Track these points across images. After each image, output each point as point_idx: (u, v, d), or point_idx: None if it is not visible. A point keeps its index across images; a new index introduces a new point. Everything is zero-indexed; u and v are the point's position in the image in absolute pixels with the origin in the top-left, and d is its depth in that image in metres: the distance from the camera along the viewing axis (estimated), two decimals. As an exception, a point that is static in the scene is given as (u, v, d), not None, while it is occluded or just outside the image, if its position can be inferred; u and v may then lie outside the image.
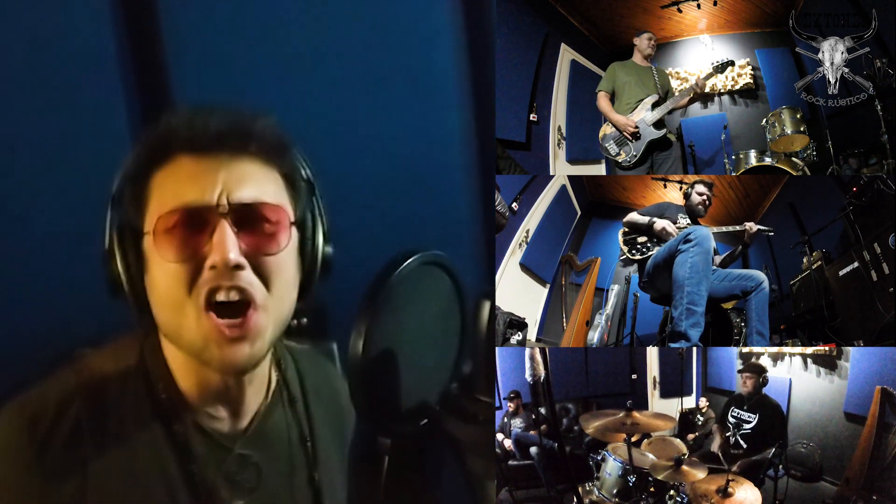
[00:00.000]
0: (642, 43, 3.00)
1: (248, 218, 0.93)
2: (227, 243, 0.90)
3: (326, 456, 1.12)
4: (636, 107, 2.92)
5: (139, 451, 0.96)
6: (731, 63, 2.93)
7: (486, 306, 0.66)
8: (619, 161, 2.92)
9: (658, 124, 2.88)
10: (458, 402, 0.68)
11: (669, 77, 3.13)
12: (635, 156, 2.90)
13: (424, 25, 1.90)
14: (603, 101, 2.98)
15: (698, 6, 3.19)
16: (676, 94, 2.94)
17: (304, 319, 1.22)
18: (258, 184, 0.96)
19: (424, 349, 0.74)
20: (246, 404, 1.03)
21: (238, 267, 0.91)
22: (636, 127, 2.87)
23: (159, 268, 0.93)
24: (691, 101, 2.98)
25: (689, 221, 2.65)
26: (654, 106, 2.89)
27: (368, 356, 0.67)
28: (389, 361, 0.71)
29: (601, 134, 2.97)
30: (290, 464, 1.07)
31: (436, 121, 2.00)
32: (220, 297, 0.91)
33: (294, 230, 1.00)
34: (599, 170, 3.23)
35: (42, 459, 0.92)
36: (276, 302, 0.95)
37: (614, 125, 2.92)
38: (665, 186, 3.19)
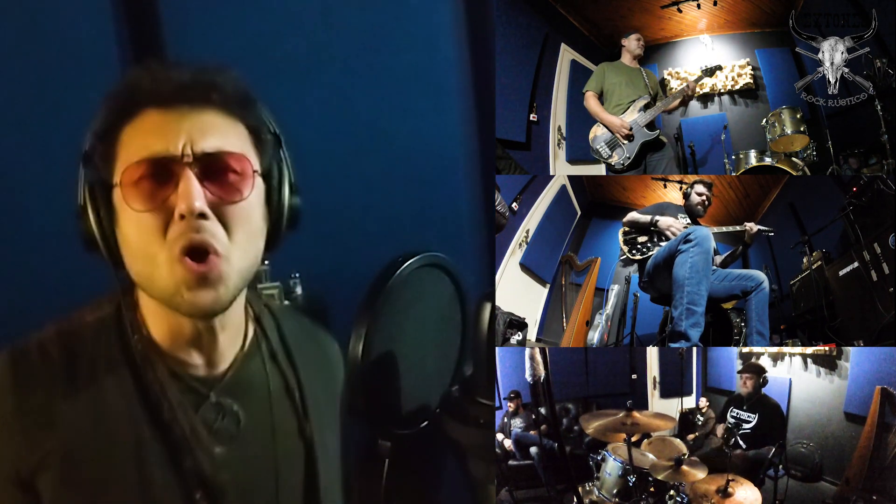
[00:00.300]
0: (631, 43, 2.98)
1: (213, 168, 0.96)
2: (193, 192, 0.93)
3: (316, 409, 1.13)
4: (627, 108, 2.90)
5: (109, 397, 0.99)
6: (720, 67, 2.93)
7: (487, 308, 0.66)
8: (612, 164, 2.90)
9: (650, 126, 2.87)
10: (458, 404, 0.67)
11: (669, 77, 3.13)
12: (628, 158, 2.87)
13: (425, 26, 1.90)
14: (592, 102, 2.94)
15: (698, 6, 3.19)
16: (670, 95, 2.94)
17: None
18: (221, 134, 0.98)
19: (425, 351, 0.74)
20: (220, 351, 1.05)
21: (202, 216, 0.94)
22: (630, 129, 2.85)
23: (129, 218, 0.96)
24: (682, 104, 2.98)
25: (688, 221, 2.65)
26: (646, 107, 2.88)
27: (368, 358, 0.67)
28: (389, 364, 0.71)
29: (591, 135, 2.93)
30: (272, 414, 1.08)
31: (436, 121, 2.00)
32: (190, 245, 0.94)
33: (259, 180, 1.02)
34: (599, 170, 3.23)
35: (23, 404, 0.96)
36: (240, 251, 0.98)
37: (607, 127, 2.89)
38: (665, 186, 3.19)
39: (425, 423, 0.73)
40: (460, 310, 0.69)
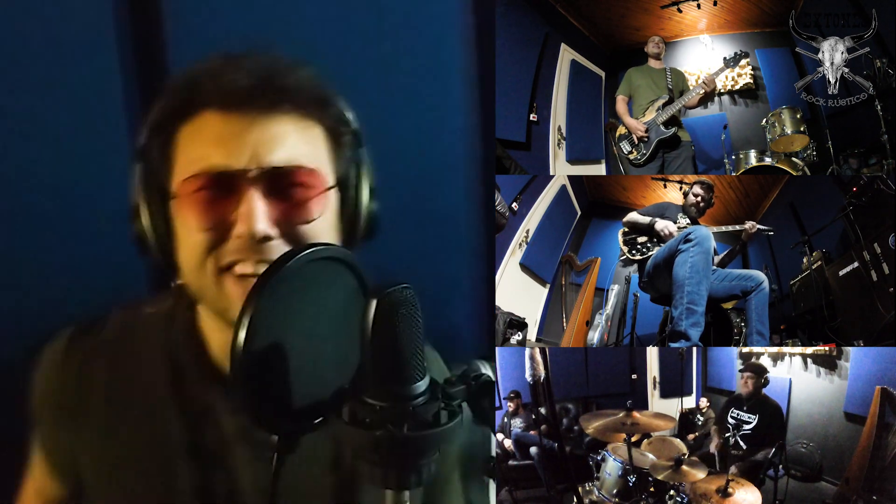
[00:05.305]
0: (648, 46, 3.08)
1: (281, 184, 0.86)
2: (256, 214, 0.83)
3: None
4: (647, 108, 2.97)
5: (156, 414, 0.96)
6: (746, 54, 2.95)
7: (373, 305, 0.64)
8: (631, 159, 3.00)
9: (669, 123, 2.93)
10: (347, 403, 0.66)
11: (686, 77, 3.14)
12: (645, 154, 2.96)
13: (427, 25, 1.90)
14: (619, 105, 3.07)
15: (698, 6, 3.19)
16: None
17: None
18: (293, 145, 0.88)
19: (321, 346, 0.71)
20: None
21: (266, 238, 0.84)
22: (645, 131, 2.94)
23: (184, 232, 0.89)
24: (703, 99, 3.01)
25: (688, 221, 2.66)
26: (665, 106, 2.93)
27: (252, 348, 0.65)
28: (278, 355, 0.68)
29: (617, 134, 3.06)
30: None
31: (436, 120, 1.99)
32: (247, 269, 0.86)
33: (333, 194, 0.92)
34: (599, 170, 3.23)
35: (82, 373, 0.96)
36: None
37: (626, 128, 3.01)
38: (665, 186, 3.20)
39: (319, 419, 0.70)
40: (363, 306, 0.63)
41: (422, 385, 0.65)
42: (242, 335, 0.65)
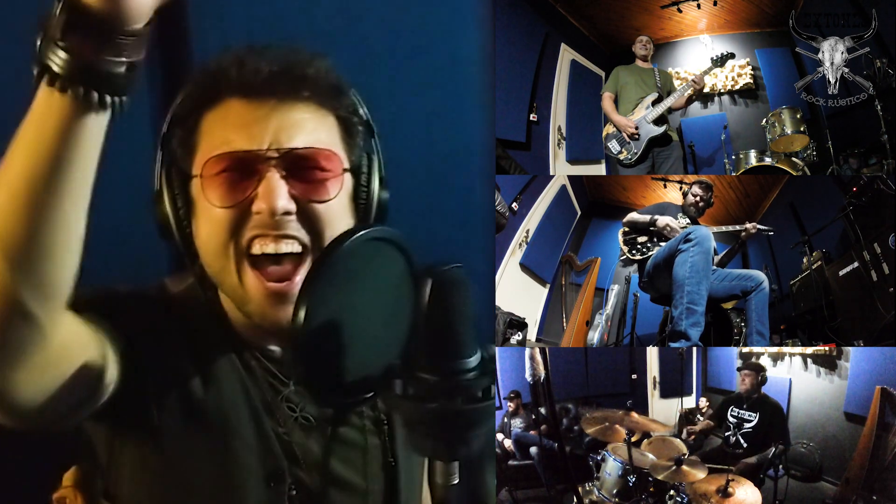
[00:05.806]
0: (636, 47, 3.06)
1: (299, 165, 0.91)
2: (276, 191, 0.88)
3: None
4: (636, 105, 2.94)
5: (223, 378, 0.95)
6: (732, 55, 2.93)
7: (428, 283, 0.66)
8: (621, 159, 2.95)
9: (659, 121, 2.90)
10: (399, 377, 0.69)
11: (673, 77, 3.14)
12: (636, 154, 2.92)
13: (426, 26, 1.90)
14: (606, 102, 3.01)
15: (698, 6, 3.19)
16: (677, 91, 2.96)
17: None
18: (310, 130, 0.93)
19: (372, 324, 0.73)
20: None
21: (287, 213, 0.89)
22: (635, 128, 2.90)
23: (205, 212, 0.92)
24: (692, 99, 3.00)
25: (688, 221, 2.66)
26: (654, 104, 2.91)
27: (310, 326, 0.67)
28: (332, 333, 0.70)
29: (604, 133, 3.00)
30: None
31: (436, 121, 2.00)
32: (268, 248, 0.90)
33: (348, 177, 0.96)
34: (599, 170, 3.23)
35: (130, 320, 0.92)
36: None
37: (615, 125, 2.95)
38: (665, 186, 3.19)
39: (370, 393, 0.73)
40: (412, 285, 0.66)
41: (474, 360, 0.68)
42: (302, 314, 0.67)
